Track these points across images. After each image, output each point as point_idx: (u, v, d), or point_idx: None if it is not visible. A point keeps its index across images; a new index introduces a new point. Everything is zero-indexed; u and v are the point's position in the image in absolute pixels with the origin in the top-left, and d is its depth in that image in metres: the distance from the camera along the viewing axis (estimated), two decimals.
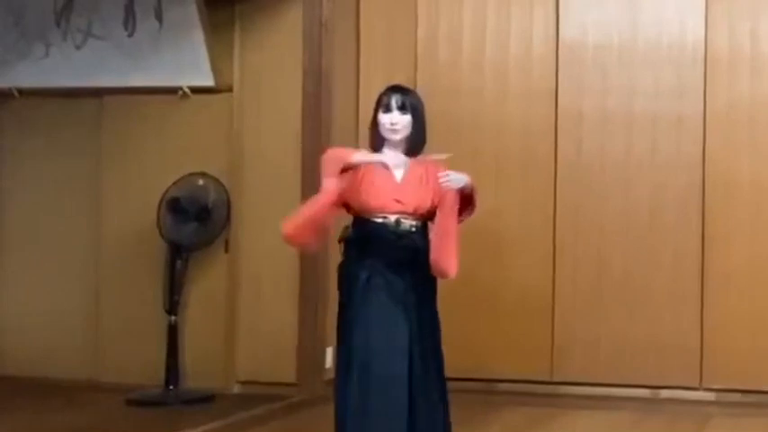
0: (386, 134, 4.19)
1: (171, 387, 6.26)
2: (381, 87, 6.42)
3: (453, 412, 5.91)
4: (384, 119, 4.18)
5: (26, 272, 6.82)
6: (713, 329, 6.19)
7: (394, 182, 4.15)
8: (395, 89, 4.27)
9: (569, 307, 6.38)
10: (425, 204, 4.16)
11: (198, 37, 6.36)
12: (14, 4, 6.65)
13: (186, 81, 6.47)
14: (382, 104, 4.19)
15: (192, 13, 6.34)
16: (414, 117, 4.20)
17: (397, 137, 4.18)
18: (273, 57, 6.47)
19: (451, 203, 4.16)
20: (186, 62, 6.43)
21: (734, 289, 6.17)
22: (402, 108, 4.18)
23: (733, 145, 6.24)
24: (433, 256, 4.13)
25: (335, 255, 6.21)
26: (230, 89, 6.50)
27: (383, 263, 4.08)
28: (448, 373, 6.32)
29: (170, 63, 6.45)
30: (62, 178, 6.77)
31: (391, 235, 4.10)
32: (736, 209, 6.22)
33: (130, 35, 6.50)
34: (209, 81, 6.44)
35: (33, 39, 6.63)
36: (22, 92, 6.74)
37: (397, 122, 4.17)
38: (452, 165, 6.46)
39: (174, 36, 6.42)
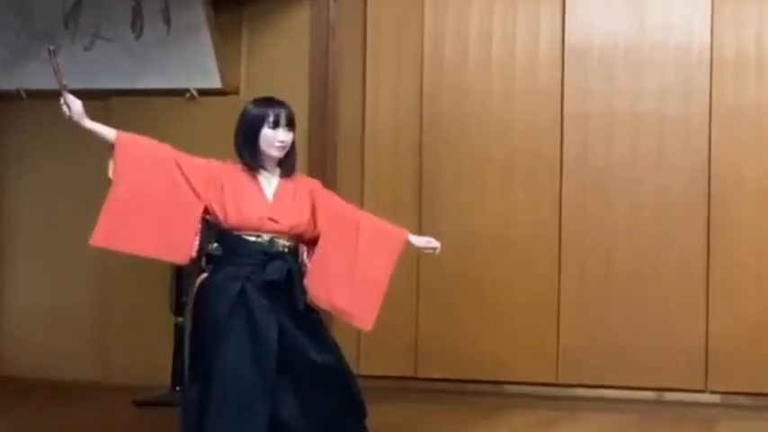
0: (271, 151, 3.95)
1: (178, 388, 6.26)
2: (388, 90, 6.61)
3: (460, 413, 5.98)
4: (271, 135, 3.93)
5: (33, 273, 6.85)
6: (719, 332, 6.17)
7: (265, 199, 3.96)
8: (278, 103, 4.01)
9: (575, 309, 6.38)
10: (301, 223, 3.97)
11: (205, 39, 6.38)
12: (23, 6, 6.68)
13: (193, 83, 6.50)
14: (268, 120, 3.93)
15: (200, 15, 6.36)
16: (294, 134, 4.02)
17: (281, 154, 3.97)
18: (280, 59, 6.49)
19: (395, 249, 4.03)
20: (194, 64, 6.45)
21: (739, 291, 6.16)
22: (289, 125, 3.97)
23: (738, 147, 6.24)
24: (348, 304, 3.95)
25: None
26: (237, 91, 6.52)
27: (254, 283, 3.86)
28: (454, 374, 6.42)
29: (177, 65, 6.47)
30: (69, 179, 6.79)
31: (263, 255, 3.89)
32: (742, 211, 6.21)
33: (138, 37, 6.54)
34: (216, 83, 6.46)
35: (41, 40, 6.65)
36: (29, 93, 6.76)
37: (285, 140, 3.96)
38: (457, 168, 6.53)
39: (182, 38, 6.44)
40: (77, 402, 6.23)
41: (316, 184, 4.14)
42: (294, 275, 3.94)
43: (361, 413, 4.10)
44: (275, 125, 3.96)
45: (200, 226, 3.93)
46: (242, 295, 3.85)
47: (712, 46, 6.29)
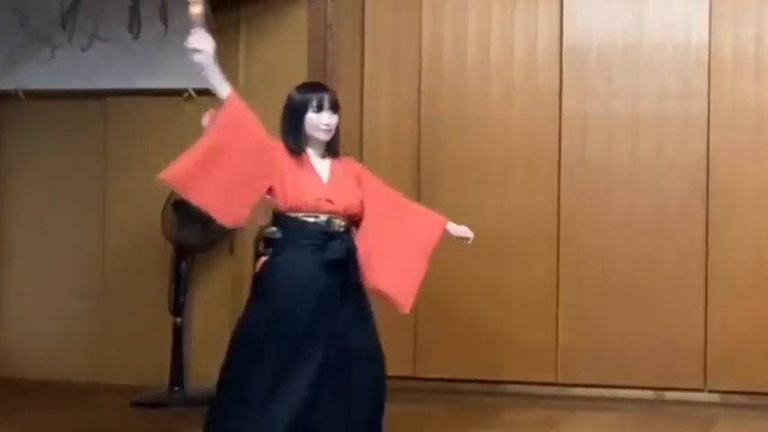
0: (317, 134, 4.05)
1: (176, 388, 6.27)
2: (386, 90, 6.60)
3: (459, 413, 5.98)
4: (315, 119, 4.03)
5: (31, 273, 6.84)
6: (718, 331, 6.17)
7: (321, 181, 4.06)
8: (321, 87, 4.16)
9: (574, 309, 6.37)
10: (355, 203, 4.08)
11: None
12: (20, 6, 6.66)
13: (191, 83, 6.48)
14: (312, 104, 4.03)
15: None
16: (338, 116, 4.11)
17: (328, 137, 4.07)
18: (278, 59, 6.48)
19: (435, 234, 4.22)
20: (191, 65, 6.39)
21: (738, 290, 6.15)
22: (333, 108, 4.07)
23: (737, 147, 6.23)
24: (389, 286, 4.07)
25: None
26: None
27: (317, 263, 3.96)
28: (453, 374, 6.41)
29: (175, 65, 6.41)
30: (67, 180, 6.79)
31: (323, 235, 3.99)
32: (741, 211, 6.21)
33: (136, 37, 6.53)
34: None
35: (39, 41, 6.65)
36: (27, 94, 6.76)
37: (330, 123, 4.05)
38: (456, 168, 6.53)
39: (180, 38, 6.33)
40: (75, 403, 6.22)
41: (360, 167, 4.26)
42: (352, 254, 4.04)
43: (383, 404, 4.13)
44: (319, 109, 4.04)
45: (258, 198, 4.01)
46: (309, 276, 3.94)
47: (710, 46, 6.28)
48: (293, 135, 4.06)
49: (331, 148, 4.12)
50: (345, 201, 4.06)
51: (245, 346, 4.00)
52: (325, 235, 4.00)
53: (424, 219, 4.32)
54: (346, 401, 3.98)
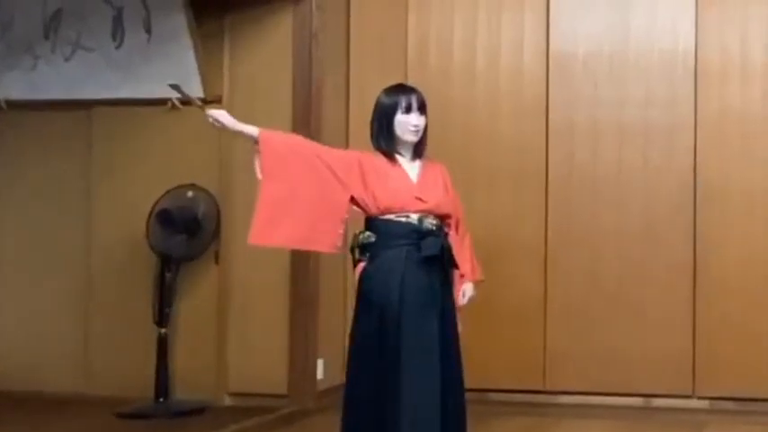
0: (406, 136, 4.11)
1: (161, 399, 6.22)
2: (371, 98, 6.55)
3: None
4: (404, 120, 4.10)
5: (14, 284, 6.79)
6: (706, 337, 6.17)
7: (410, 180, 4.11)
8: (409, 89, 4.20)
9: (562, 316, 6.35)
10: (446, 201, 4.15)
11: (187, 48, 6.34)
12: (2, 16, 6.63)
13: (175, 92, 6.43)
14: (401, 106, 4.09)
15: (181, 24, 6.32)
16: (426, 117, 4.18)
17: (417, 138, 4.14)
18: (263, 67, 6.45)
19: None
20: (175, 73, 6.39)
21: (726, 297, 6.15)
22: (421, 109, 4.14)
23: (724, 153, 6.23)
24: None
25: (326, 265, 6.28)
26: (220, 100, 6.46)
27: (413, 261, 4.02)
28: None
29: (159, 74, 6.41)
30: (51, 191, 6.74)
31: (416, 234, 4.05)
32: (728, 217, 6.20)
33: (119, 47, 6.49)
34: (198, 92, 6.39)
35: (21, 51, 6.61)
36: (10, 104, 6.71)
37: (418, 124, 4.12)
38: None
39: (164, 47, 6.40)
40: (59, 415, 6.16)
41: (448, 174, 4.28)
42: (446, 250, 4.08)
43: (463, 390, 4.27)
44: (407, 110, 4.10)
45: (346, 216, 4.09)
46: (406, 275, 4.00)
47: (697, 52, 6.29)
48: (385, 137, 4.12)
49: (418, 149, 4.16)
50: (435, 199, 4.11)
51: (359, 354, 4.07)
52: (418, 233, 4.05)
53: (465, 261, 4.31)
54: (453, 396, 4.14)
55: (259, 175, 4.02)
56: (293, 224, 4.01)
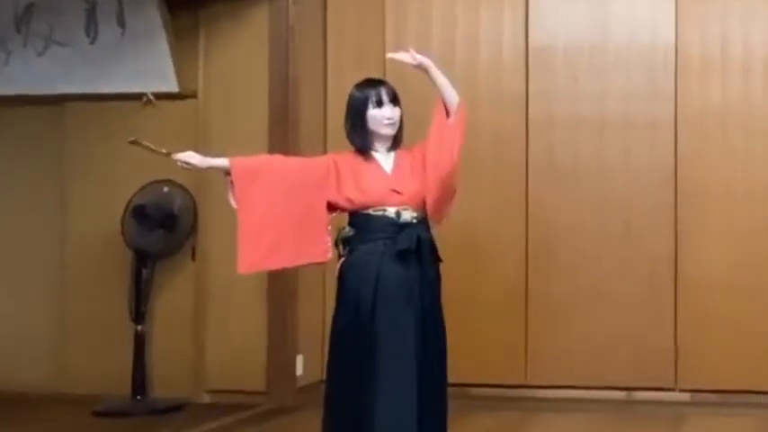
0: (381, 130, 4.05)
1: (138, 397, 6.18)
2: (349, 92, 6.53)
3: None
4: (378, 114, 4.04)
5: None
6: (687, 330, 6.18)
7: (385, 173, 4.06)
8: (379, 82, 4.15)
9: (543, 310, 6.34)
10: (423, 190, 4.06)
11: (161, 43, 6.30)
12: None
13: (150, 87, 6.41)
14: (371, 100, 4.04)
15: (155, 18, 6.27)
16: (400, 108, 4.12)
17: (393, 131, 4.09)
18: (239, 62, 6.42)
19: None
20: (150, 68, 6.36)
21: (707, 290, 6.16)
22: (393, 101, 4.09)
23: (705, 148, 6.24)
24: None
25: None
26: (195, 95, 6.44)
27: (389, 256, 3.97)
28: None
29: (134, 69, 6.38)
30: (26, 186, 6.69)
31: (393, 227, 4.00)
32: (709, 211, 6.21)
33: (93, 41, 6.44)
34: (173, 87, 6.38)
35: None
36: None
37: (392, 116, 4.07)
38: None
39: (138, 42, 6.35)
40: (36, 414, 6.11)
41: (410, 147, 4.16)
42: (423, 243, 4.02)
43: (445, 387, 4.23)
44: (379, 104, 4.06)
45: (329, 224, 4.06)
46: (381, 269, 3.95)
47: (677, 47, 6.29)
48: (359, 134, 4.07)
49: (396, 141, 4.11)
50: (412, 189, 4.03)
51: (337, 348, 4.04)
52: (394, 227, 4.00)
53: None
54: (431, 392, 4.06)
55: (234, 205, 3.99)
56: (278, 244, 4.00)
